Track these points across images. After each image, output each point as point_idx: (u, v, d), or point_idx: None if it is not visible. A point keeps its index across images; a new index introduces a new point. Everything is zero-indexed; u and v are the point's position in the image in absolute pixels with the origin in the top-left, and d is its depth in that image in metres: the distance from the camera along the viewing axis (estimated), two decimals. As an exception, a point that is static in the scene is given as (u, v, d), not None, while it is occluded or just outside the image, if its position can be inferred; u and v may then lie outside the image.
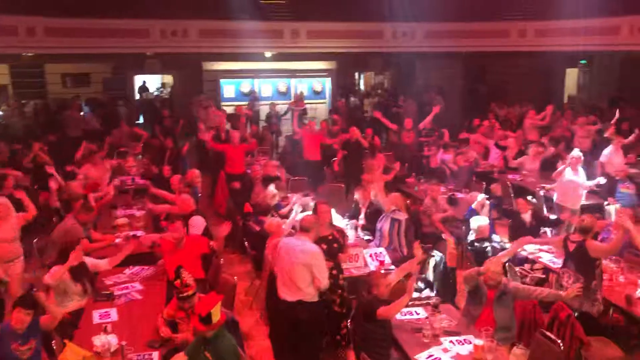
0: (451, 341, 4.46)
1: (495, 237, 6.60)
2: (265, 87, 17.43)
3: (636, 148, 10.13)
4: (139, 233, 6.87)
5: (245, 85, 17.19)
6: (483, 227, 6.48)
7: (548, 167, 9.35)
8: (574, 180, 7.87)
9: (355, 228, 7.12)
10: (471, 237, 6.62)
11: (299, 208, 6.69)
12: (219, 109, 13.87)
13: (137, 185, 9.27)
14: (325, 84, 17.98)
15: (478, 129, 11.67)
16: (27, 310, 4.22)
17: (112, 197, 7.90)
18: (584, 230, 5.26)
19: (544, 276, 6.16)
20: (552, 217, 7.67)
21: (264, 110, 15.56)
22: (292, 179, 9.42)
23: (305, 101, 15.78)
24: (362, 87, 19.35)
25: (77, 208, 6.40)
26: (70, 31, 13.35)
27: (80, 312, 5.00)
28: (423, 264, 5.90)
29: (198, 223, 6.54)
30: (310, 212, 5.78)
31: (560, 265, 5.60)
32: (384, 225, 6.65)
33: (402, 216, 6.59)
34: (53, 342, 4.51)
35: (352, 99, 16.71)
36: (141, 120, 15.97)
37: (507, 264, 5.75)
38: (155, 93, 18.50)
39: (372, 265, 5.98)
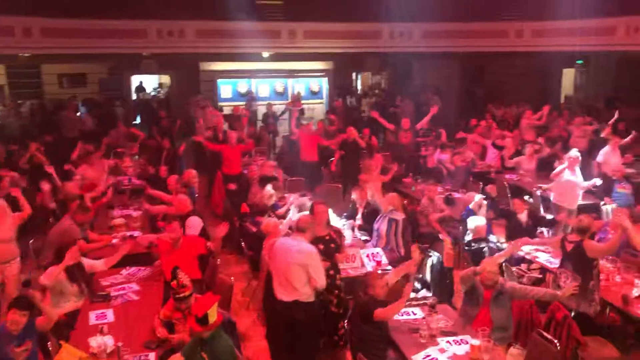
0: (448, 341, 4.47)
1: (492, 238, 6.59)
2: (262, 88, 17.42)
3: (633, 148, 10.15)
4: (136, 233, 6.86)
5: (243, 86, 17.17)
6: (480, 228, 6.47)
7: (545, 167, 9.36)
8: (572, 180, 7.89)
9: (353, 228, 7.12)
10: (468, 237, 6.61)
11: (296, 209, 6.68)
12: (217, 109, 13.86)
13: (133, 185, 9.25)
14: (323, 84, 17.98)
15: (475, 129, 11.65)
16: (23, 311, 4.21)
17: (109, 198, 7.90)
18: (581, 230, 5.26)
19: (540, 276, 6.15)
20: (549, 217, 7.68)
21: (261, 110, 15.56)
22: (289, 179, 9.40)
23: (303, 101, 15.78)
24: (359, 87, 19.33)
25: (73, 209, 6.38)
26: (67, 31, 13.32)
27: (76, 313, 5.00)
28: (420, 264, 5.89)
29: (195, 224, 6.53)
30: (307, 213, 5.77)
31: (557, 265, 5.61)
32: (381, 225, 6.65)
33: (400, 216, 6.59)
34: (49, 343, 4.49)
35: (349, 99, 16.68)
36: (138, 120, 15.93)
37: (503, 264, 5.75)
38: (152, 93, 18.43)
39: (369, 266, 5.97)
